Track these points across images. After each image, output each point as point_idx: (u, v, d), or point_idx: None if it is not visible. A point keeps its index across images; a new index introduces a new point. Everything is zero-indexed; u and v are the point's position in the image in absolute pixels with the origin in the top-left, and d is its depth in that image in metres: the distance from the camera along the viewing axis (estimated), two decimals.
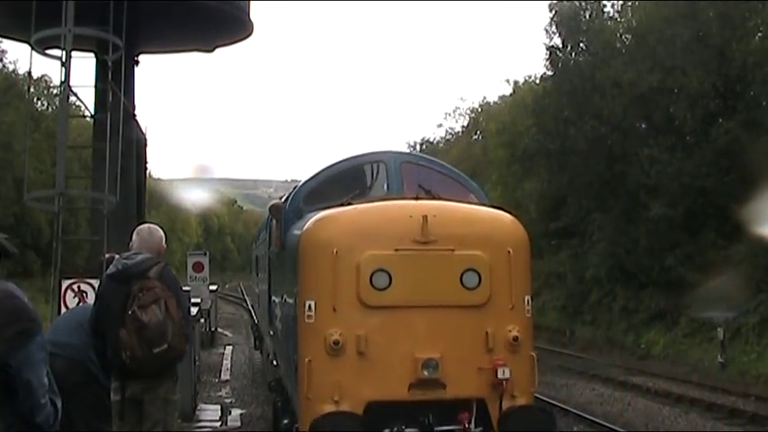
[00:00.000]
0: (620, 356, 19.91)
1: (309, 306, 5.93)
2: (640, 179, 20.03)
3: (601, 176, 22.24)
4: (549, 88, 25.34)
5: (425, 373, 5.74)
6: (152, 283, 4.50)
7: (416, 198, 6.38)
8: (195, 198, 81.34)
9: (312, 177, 7.40)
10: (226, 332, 25.50)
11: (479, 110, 49.41)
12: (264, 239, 10.37)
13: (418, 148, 60.89)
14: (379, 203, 6.36)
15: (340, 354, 5.76)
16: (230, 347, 20.83)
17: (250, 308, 26.74)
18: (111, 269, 4.75)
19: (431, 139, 59.39)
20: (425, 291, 5.87)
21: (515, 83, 39.42)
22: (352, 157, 7.47)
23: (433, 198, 6.55)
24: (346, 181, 7.08)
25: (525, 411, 5.86)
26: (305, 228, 6.23)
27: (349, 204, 6.39)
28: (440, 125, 57.87)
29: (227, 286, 60.00)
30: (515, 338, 5.93)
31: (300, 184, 7.51)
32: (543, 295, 27.39)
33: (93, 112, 13.88)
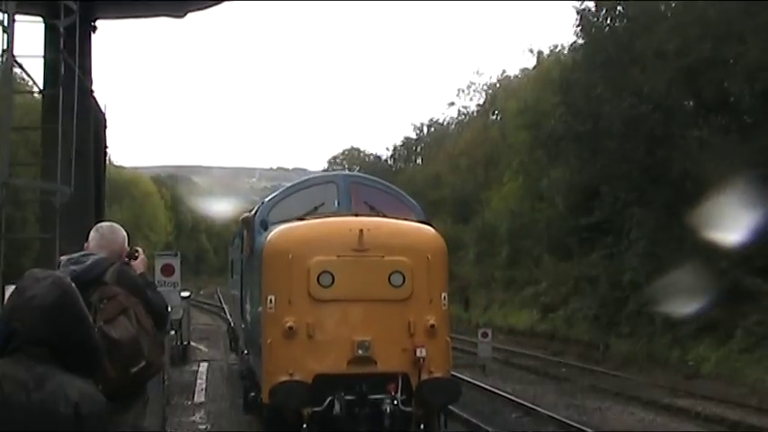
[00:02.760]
0: (663, 375, 19.86)
1: (270, 300, 8.84)
2: (687, 166, 19.94)
3: (641, 164, 22.17)
4: (579, 60, 25.36)
5: (360, 351, 8.59)
6: (112, 290, 4.39)
7: (356, 215, 9.34)
8: (165, 189, 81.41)
9: (276, 195, 10.62)
10: (200, 346, 25.49)
11: (497, 86, 49.44)
12: (238, 245, 13.40)
13: (425, 130, 61.27)
14: (325, 219, 9.34)
15: (294, 336, 8.66)
16: (205, 364, 20.78)
17: (228, 316, 26.90)
18: (63, 275, 4.60)
19: (440, 120, 59.64)
20: (361, 288, 8.78)
21: (540, 54, 39.47)
22: (310, 178, 11.21)
23: (376, 214, 9.57)
24: (305, 198, 10.04)
25: (436, 381, 8.72)
26: (268, 238, 9.24)
27: (303, 220, 9.40)
28: (451, 103, 58.19)
29: (201, 292, 59.97)
30: (432, 326, 8.78)
31: (267, 200, 10.67)
32: (572, 303, 27.31)
33: (41, 87, 13.76)
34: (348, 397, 8.43)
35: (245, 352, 12.15)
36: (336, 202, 9.81)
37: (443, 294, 9.05)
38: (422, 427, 8.70)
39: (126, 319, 4.29)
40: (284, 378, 8.48)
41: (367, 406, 8.47)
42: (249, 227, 10.57)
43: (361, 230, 8.67)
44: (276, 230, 9.21)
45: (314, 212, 9.60)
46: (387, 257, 8.75)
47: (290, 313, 8.66)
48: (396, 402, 8.42)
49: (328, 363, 8.64)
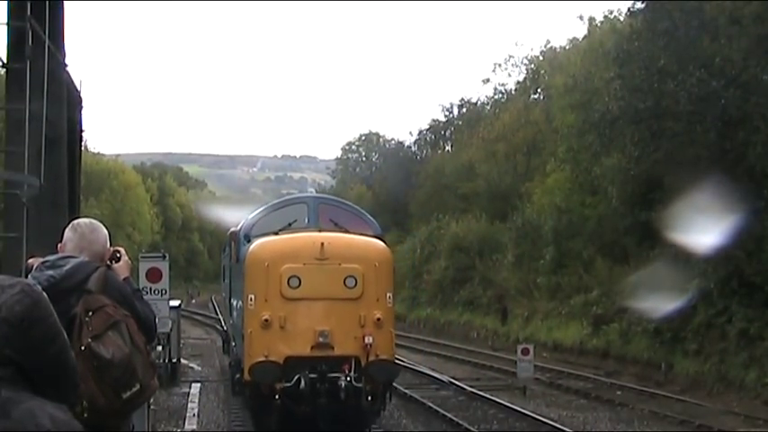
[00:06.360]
0: (738, 400, 19.84)
1: (251, 298, 13.09)
2: None
3: (712, 149, 21.96)
4: (638, 27, 25.16)
5: (321, 339, 12.67)
6: (99, 300, 4.33)
7: (320, 230, 13.58)
8: (150, 180, 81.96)
9: (258, 213, 15.14)
10: (192, 364, 25.66)
11: (541, 59, 49.34)
12: (228, 253, 18.07)
13: (456, 111, 61.21)
14: (295, 234, 13.66)
15: (269, 327, 12.81)
16: (198, 385, 20.91)
17: (222, 322, 27.06)
18: (32, 283, 4.53)
19: (473, 100, 59.60)
20: (322, 289, 12.90)
21: (591, 20, 39.29)
22: (285, 199, 16.41)
23: (339, 229, 13.84)
24: (281, 215, 14.46)
25: (380, 362, 12.77)
26: (250, 249, 13.56)
27: (277, 234, 13.72)
28: (486, 80, 58.22)
29: (193, 301, 60.49)
30: (378, 319, 12.89)
31: (250, 217, 15.07)
32: (629, 314, 27.13)
33: (5, 61, 13.81)
34: (311, 375, 12.37)
35: (234, 344, 16.54)
36: (306, 220, 14.14)
37: (388, 294, 13.28)
38: (369, 399, 12.59)
39: (117, 335, 4.26)
40: (261, 359, 12.61)
41: (326, 382, 12.35)
42: (235, 240, 15.20)
43: (322, 243, 12.86)
44: (256, 243, 13.59)
45: (287, 228, 13.86)
46: (343, 265, 12.93)
47: (266, 308, 12.86)
48: (349, 379, 12.31)
49: (296, 347, 12.73)
